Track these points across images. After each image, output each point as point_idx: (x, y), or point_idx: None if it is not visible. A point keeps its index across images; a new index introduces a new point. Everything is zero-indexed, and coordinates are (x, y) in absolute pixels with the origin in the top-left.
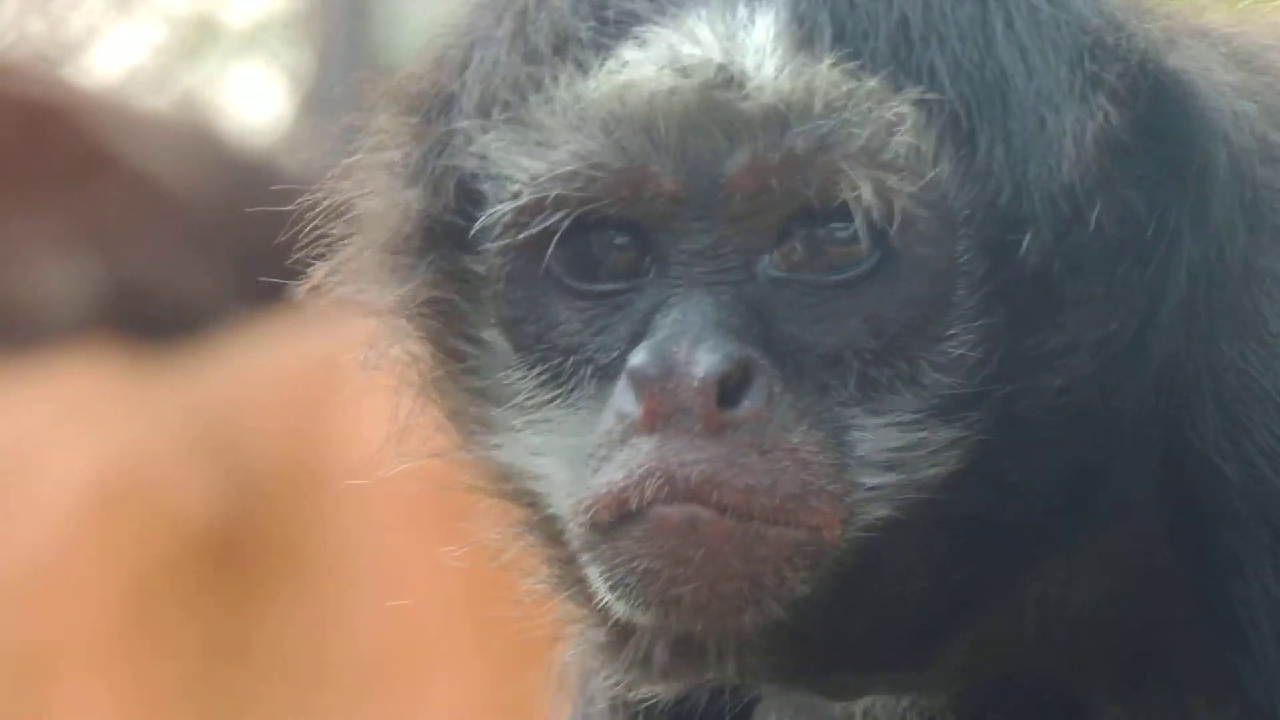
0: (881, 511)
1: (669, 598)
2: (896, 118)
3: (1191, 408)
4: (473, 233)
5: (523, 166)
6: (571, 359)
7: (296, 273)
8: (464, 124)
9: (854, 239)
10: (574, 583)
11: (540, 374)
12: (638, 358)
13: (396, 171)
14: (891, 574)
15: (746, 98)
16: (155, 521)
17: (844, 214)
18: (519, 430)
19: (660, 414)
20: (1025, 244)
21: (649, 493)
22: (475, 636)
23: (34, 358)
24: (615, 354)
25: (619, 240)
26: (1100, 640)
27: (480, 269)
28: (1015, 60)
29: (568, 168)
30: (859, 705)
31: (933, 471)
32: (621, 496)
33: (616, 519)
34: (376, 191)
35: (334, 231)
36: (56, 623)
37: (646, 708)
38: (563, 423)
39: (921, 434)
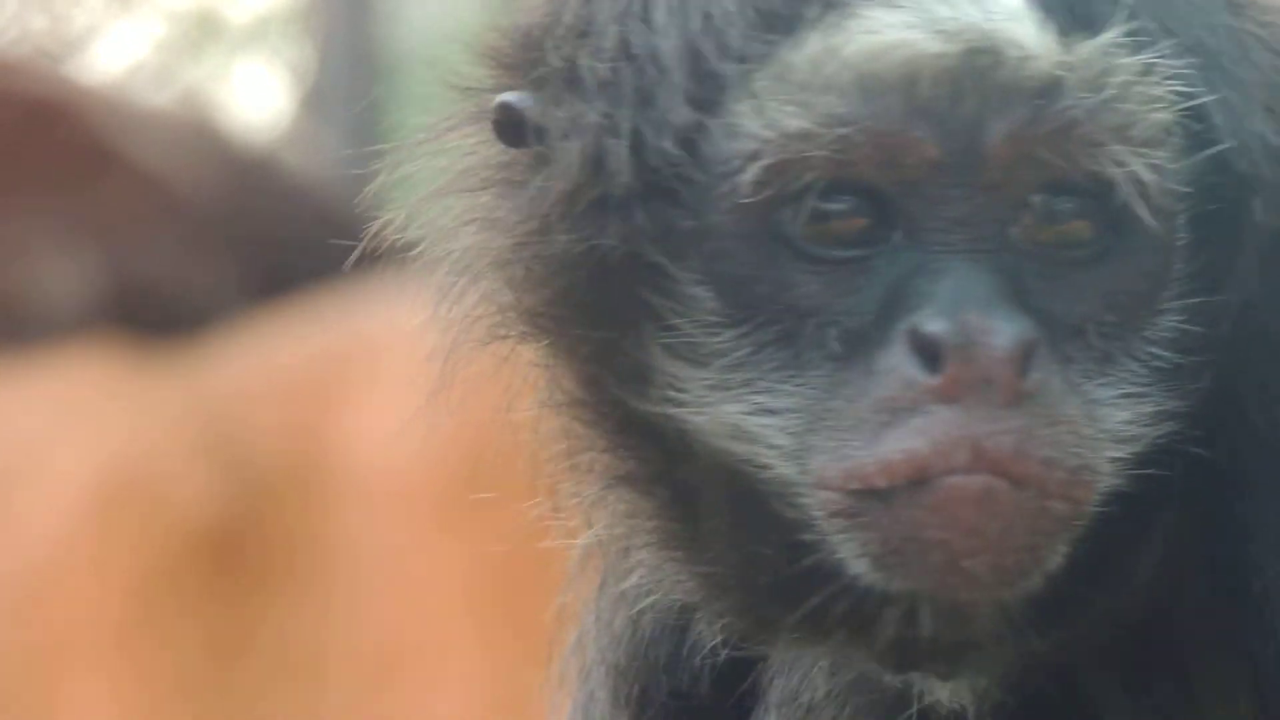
0: (1113, 483)
1: (953, 568)
2: (1153, 94)
3: (1249, 364)
4: (686, 189)
5: (769, 125)
6: (811, 322)
7: (300, 268)
8: (685, 80)
9: (1097, 211)
10: (783, 547)
11: (767, 335)
12: (935, 324)
13: (583, 125)
14: (1082, 546)
15: (1013, 66)
16: (158, 518)
17: (1090, 187)
18: (730, 389)
19: (963, 382)
20: (1257, 209)
21: (952, 462)
22: (479, 632)
23: (37, 355)
24: (867, 318)
25: (858, 203)
26: (1115, 629)
27: (690, 224)
28: (1230, 30)
29: (824, 129)
30: (917, 687)
31: (1148, 442)
32: (921, 464)
33: (903, 487)
34: (551, 143)
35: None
36: (58, 620)
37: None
38: (793, 385)
39: (1147, 406)
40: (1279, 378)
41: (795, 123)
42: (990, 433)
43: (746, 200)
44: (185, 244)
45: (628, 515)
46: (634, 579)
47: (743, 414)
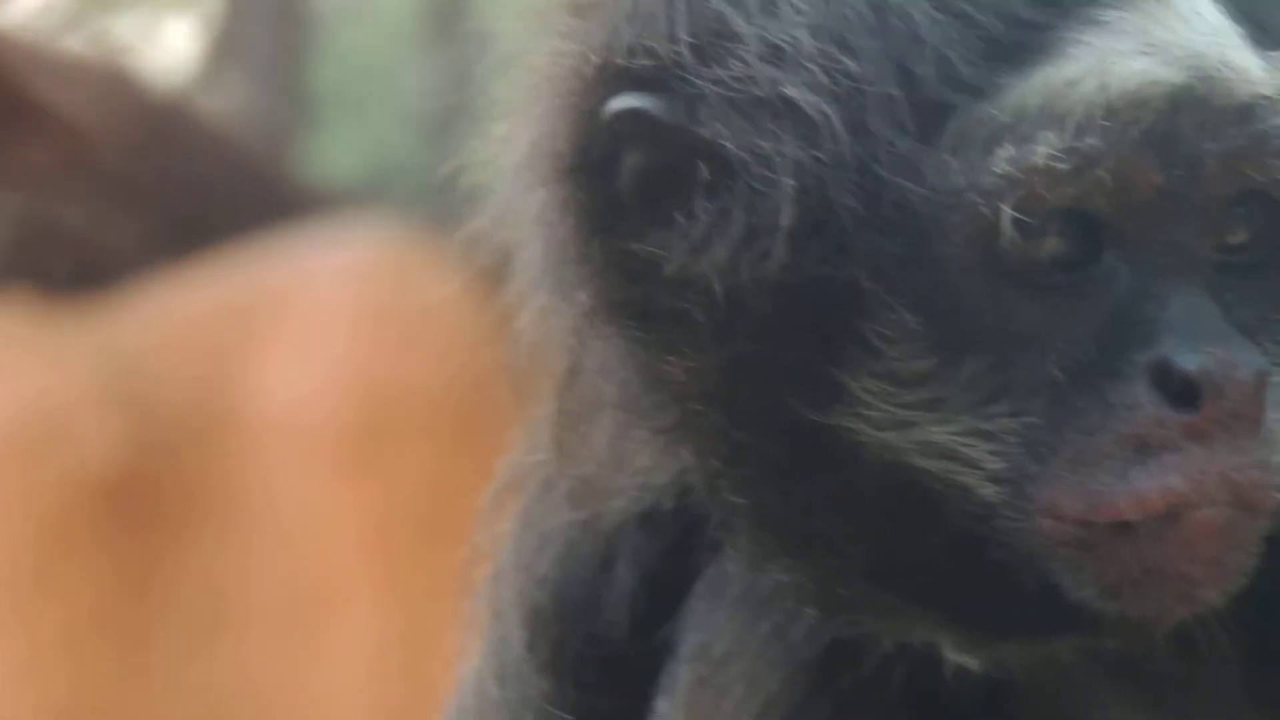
0: None
1: (1188, 597)
2: None
3: None
4: (906, 218)
5: (1007, 159)
6: (1033, 349)
7: (213, 219)
8: (906, 109)
9: (1261, 214)
10: (968, 566)
11: (982, 362)
12: (1188, 361)
13: (793, 155)
14: None
15: (1228, 89)
16: (65, 468)
17: (1271, 192)
18: (938, 411)
19: (1217, 420)
20: None
21: (1204, 498)
22: (385, 577)
23: None
24: (1090, 346)
25: (1072, 227)
26: None
27: (907, 253)
28: None
29: (1065, 164)
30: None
31: None
32: (1178, 500)
33: (1152, 521)
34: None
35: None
36: None
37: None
38: (1009, 412)
39: None
40: None
41: (1034, 157)
42: (1237, 466)
43: (974, 233)
44: (98, 194)
45: (713, 492)
46: (559, 522)
47: (951, 435)
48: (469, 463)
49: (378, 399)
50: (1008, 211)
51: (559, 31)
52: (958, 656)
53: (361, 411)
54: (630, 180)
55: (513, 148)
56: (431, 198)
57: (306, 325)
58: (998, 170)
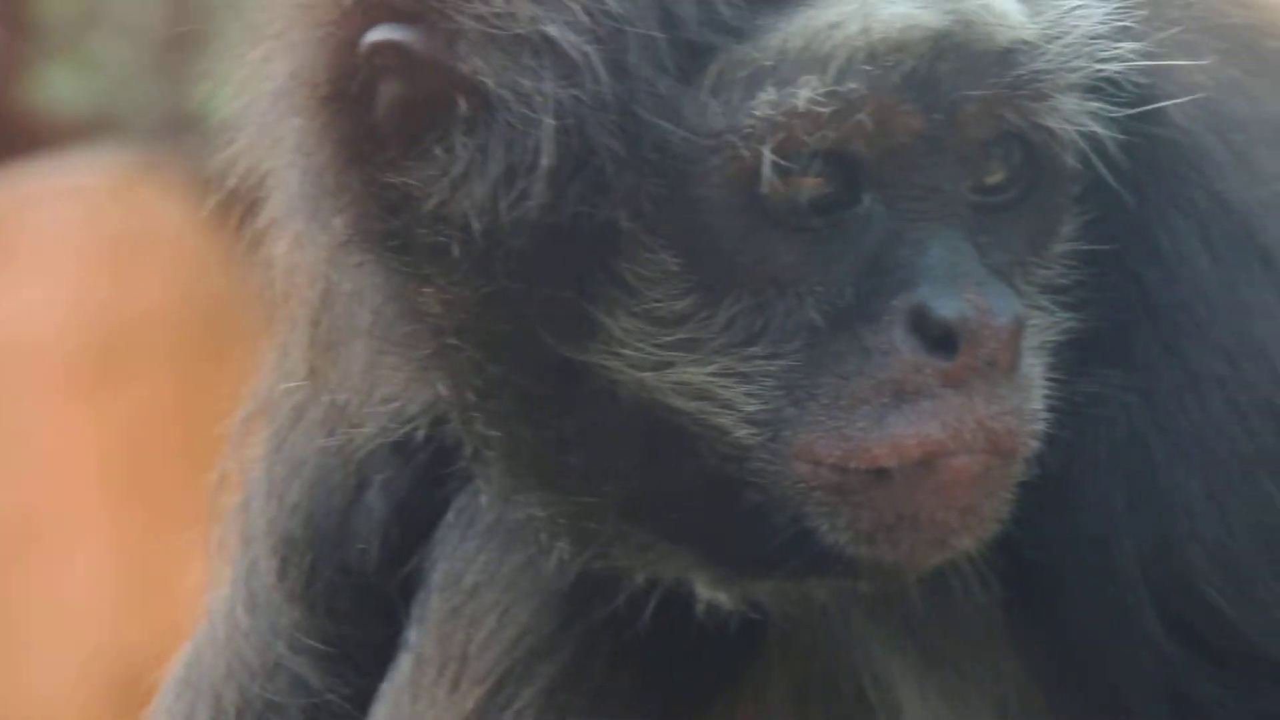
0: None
1: (942, 543)
2: (1106, 50)
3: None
4: (667, 159)
5: (767, 102)
6: (790, 291)
7: None
8: (668, 50)
9: (1018, 153)
10: (723, 506)
11: (740, 303)
12: (945, 308)
13: (554, 95)
14: None
15: (989, 35)
16: None
17: (1029, 135)
18: (695, 352)
19: (973, 367)
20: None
21: (960, 445)
22: (112, 504)
23: None
24: (848, 290)
25: (830, 169)
26: None
27: (666, 194)
28: None
29: (824, 106)
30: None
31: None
32: (934, 448)
33: (908, 467)
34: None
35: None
36: None
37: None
38: (767, 354)
39: (1058, 335)
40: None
41: (795, 101)
42: (994, 413)
43: (733, 175)
44: None
45: (468, 427)
46: (311, 449)
47: (708, 376)
48: (213, 388)
49: (112, 323)
50: (767, 154)
51: None
52: (710, 594)
53: (96, 335)
54: (388, 111)
55: (269, 74)
56: (163, 126)
57: (36, 251)
58: (758, 113)
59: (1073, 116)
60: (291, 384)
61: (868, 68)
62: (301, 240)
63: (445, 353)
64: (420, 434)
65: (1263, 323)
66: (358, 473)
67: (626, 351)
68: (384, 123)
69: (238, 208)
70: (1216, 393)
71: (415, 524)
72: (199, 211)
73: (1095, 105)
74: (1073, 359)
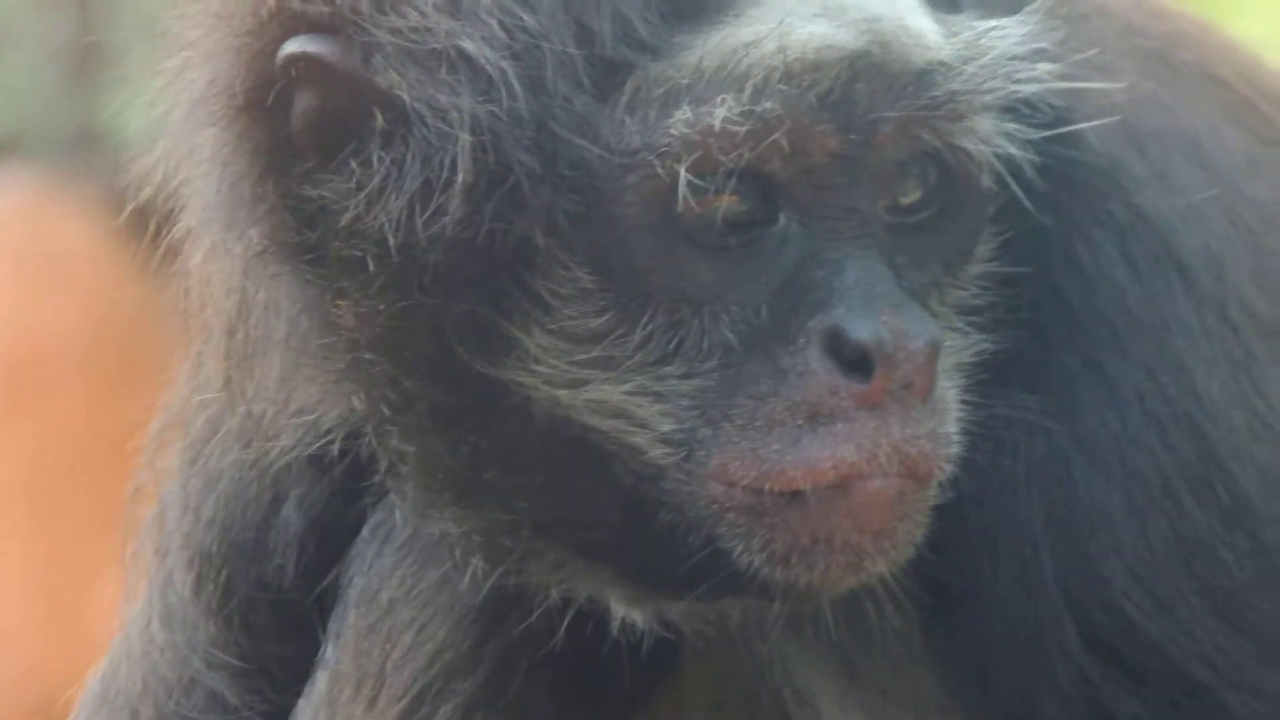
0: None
1: (857, 566)
2: (1022, 71)
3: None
4: (582, 176)
5: (683, 120)
6: (705, 310)
7: None
8: (584, 66)
9: (934, 174)
10: (636, 525)
11: (655, 322)
12: (860, 330)
13: (470, 110)
14: None
15: (905, 55)
16: None
17: (944, 157)
18: (610, 369)
19: (889, 390)
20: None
21: (875, 468)
22: (34, 523)
23: None
24: (763, 310)
25: (745, 188)
26: None
27: (582, 211)
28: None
29: (739, 125)
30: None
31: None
32: (848, 471)
33: (822, 490)
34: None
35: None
36: None
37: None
38: (681, 373)
39: (966, 364)
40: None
41: (711, 120)
42: (909, 437)
43: (649, 193)
44: None
45: (382, 440)
46: (227, 462)
47: (623, 394)
48: (125, 405)
49: (23, 343)
50: (683, 173)
51: None
52: (625, 612)
53: (7, 357)
54: (303, 123)
55: (186, 83)
56: (73, 145)
57: None
58: (674, 131)
59: (989, 137)
60: (207, 395)
61: (783, 87)
62: (217, 251)
63: (360, 366)
64: (336, 447)
65: (1181, 337)
66: (273, 487)
67: (542, 368)
68: (300, 134)
69: (152, 221)
70: (1136, 407)
71: (331, 539)
72: (110, 230)
73: (1011, 126)
74: (990, 379)
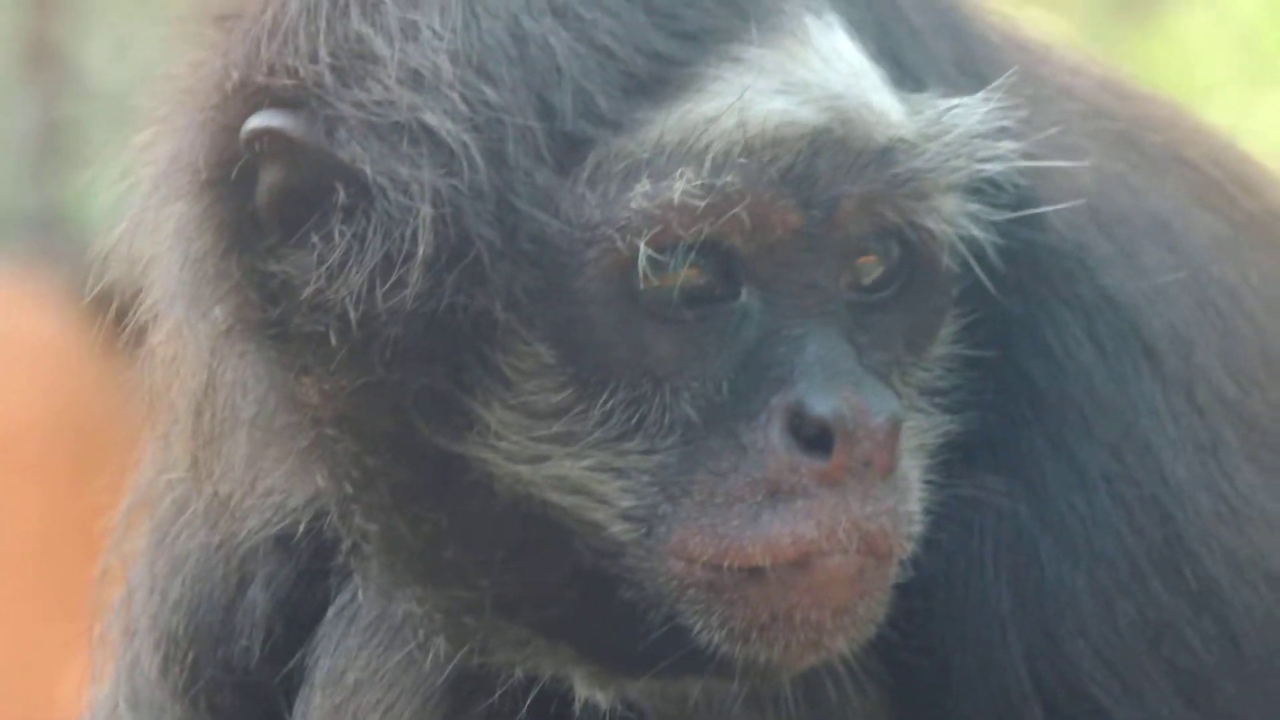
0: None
1: (818, 644)
2: (990, 148)
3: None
4: (543, 250)
5: (645, 195)
6: (665, 386)
7: None
8: (545, 140)
9: (897, 252)
10: (598, 600)
11: (616, 397)
12: (820, 406)
13: (431, 183)
14: None
15: (867, 131)
16: None
17: (906, 234)
18: (570, 445)
19: (849, 467)
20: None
21: (835, 545)
22: (9, 596)
23: None
24: (724, 386)
25: (708, 264)
26: None
27: (543, 285)
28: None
29: (700, 200)
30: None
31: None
32: (808, 548)
33: (782, 567)
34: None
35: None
36: None
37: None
38: (642, 449)
39: (931, 444)
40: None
41: (671, 194)
42: (869, 514)
43: (609, 267)
44: None
45: (344, 519)
46: (194, 543)
47: (583, 470)
48: (91, 488)
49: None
50: (643, 247)
51: (200, 42)
52: (588, 691)
53: None
54: (268, 198)
55: (151, 159)
56: (34, 232)
57: None
58: (634, 205)
59: (952, 217)
60: (173, 476)
61: (744, 162)
62: (182, 329)
63: (324, 444)
64: (302, 528)
65: (1148, 419)
66: (240, 568)
67: (502, 444)
68: (264, 209)
69: (115, 302)
70: (1103, 489)
71: (298, 620)
72: (74, 315)
73: (975, 207)
74: (956, 460)
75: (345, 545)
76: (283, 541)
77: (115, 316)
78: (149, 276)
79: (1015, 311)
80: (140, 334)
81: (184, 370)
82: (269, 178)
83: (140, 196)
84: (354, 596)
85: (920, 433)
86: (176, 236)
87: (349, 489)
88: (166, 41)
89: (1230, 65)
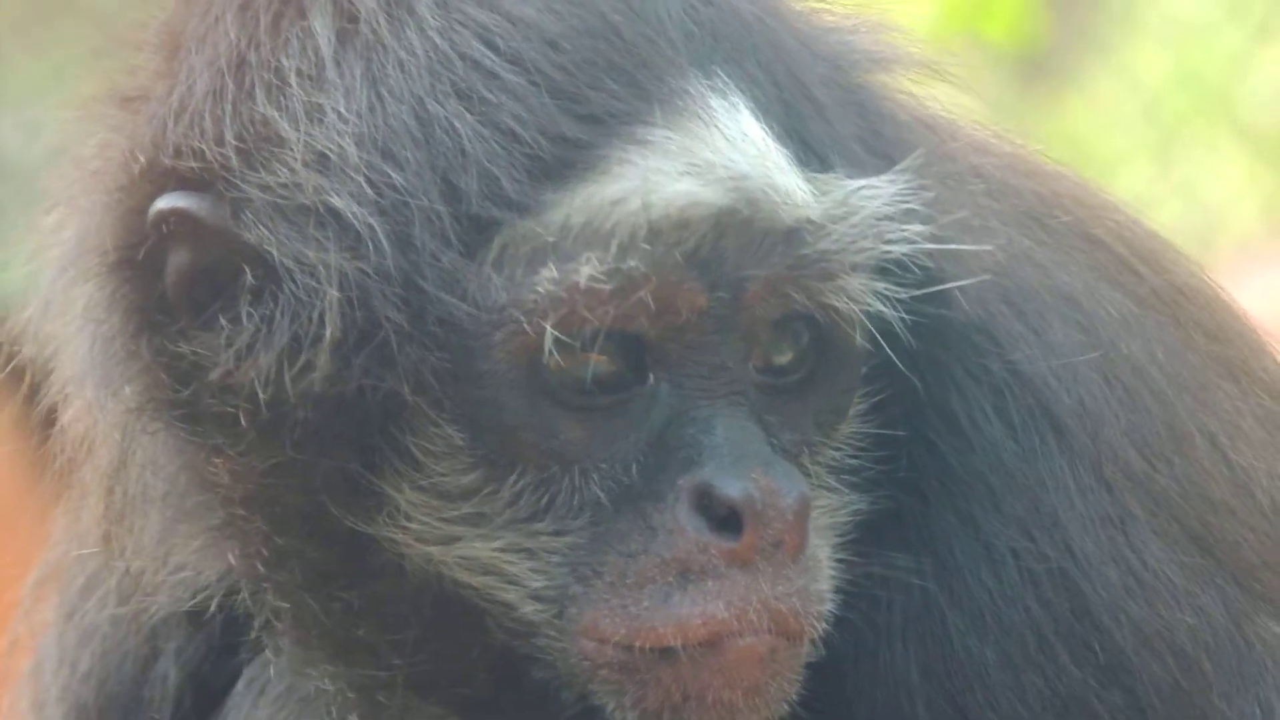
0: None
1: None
2: (897, 229)
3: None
4: (448, 333)
5: (549, 279)
6: (574, 469)
7: None
8: (450, 223)
9: (808, 334)
10: (510, 678)
11: (525, 478)
12: (730, 487)
13: (336, 266)
14: None
15: (773, 213)
16: None
17: (814, 315)
18: (480, 526)
19: (759, 548)
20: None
21: (746, 626)
22: None
23: None
24: (633, 468)
25: (615, 348)
26: None
27: (449, 367)
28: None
29: (605, 284)
30: None
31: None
32: (719, 629)
33: (693, 647)
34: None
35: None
36: None
37: None
38: (552, 530)
39: (840, 522)
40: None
41: (577, 277)
42: (780, 594)
43: (516, 350)
44: None
45: (255, 596)
46: (104, 616)
47: (494, 551)
48: (5, 563)
49: None
50: (550, 330)
51: (108, 123)
52: None
53: None
54: (176, 279)
55: (61, 240)
56: None
57: None
58: (540, 289)
59: (859, 296)
60: (85, 550)
61: (648, 246)
62: (93, 408)
63: (235, 523)
64: (214, 604)
65: (1056, 494)
66: (150, 641)
67: (412, 524)
68: (173, 290)
69: (26, 377)
70: (1011, 563)
71: (207, 692)
72: None
73: (882, 285)
74: (865, 537)
75: (257, 621)
76: (193, 615)
77: (27, 393)
78: (59, 356)
79: (925, 386)
80: (51, 411)
81: (95, 448)
82: (177, 259)
83: (49, 278)
84: (264, 669)
85: (830, 511)
86: (85, 317)
87: (261, 568)
88: (75, 121)
89: (1137, 135)
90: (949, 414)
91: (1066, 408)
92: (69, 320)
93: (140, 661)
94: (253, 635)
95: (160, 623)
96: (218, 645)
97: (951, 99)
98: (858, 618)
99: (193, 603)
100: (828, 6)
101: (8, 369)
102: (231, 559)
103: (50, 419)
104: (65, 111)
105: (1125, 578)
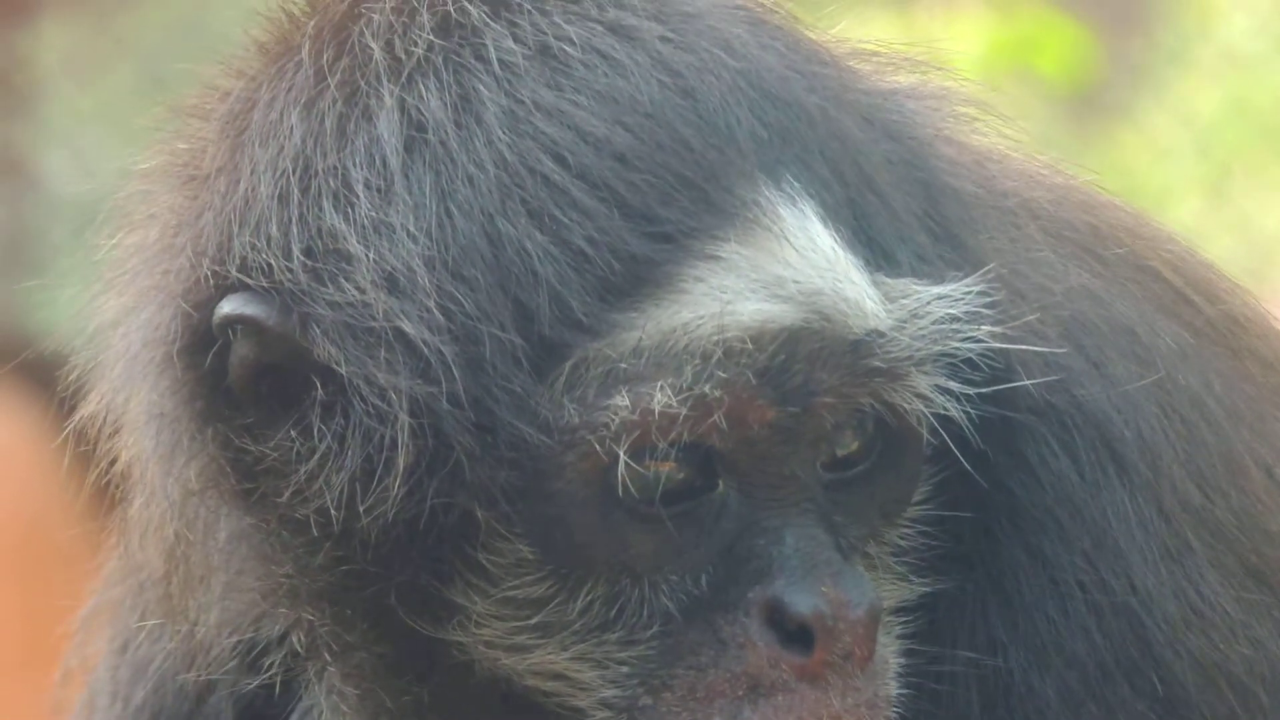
0: None
1: None
2: (960, 332)
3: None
4: (521, 453)
5: (624, 401)
6: (645, 581)
7: None
8: (522, 347)
9: (872, 427)
10: None
11: (596, 591)
12: (801, 602)
13: (409, 389)
14: None
15: (843, 324)
16: None
17: (880, 413)
18: (552, 636)
19: (831, 662)
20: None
21: None
22: None
23: None
24: (703, 580)
25: (685, 459)
26: None
27: (521, 485)
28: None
29: (679, 405)
30: None
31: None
32: None
33: None
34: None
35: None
36: None
37: None
38: (622, 641)
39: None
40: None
41: (650, 403)
42: (849, 707)
43: (588, 470)
44: None
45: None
46: (158, 649)
47: (566, 660)
48: (58, 597)
49: None
50: (622, 454)
51: (169, 204)
52: None
53: None
54: (241, 372)
55: (124, 334)
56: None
57: None
58: (613, 413)
59: (926, 395)
60: (139, 580)
61: (722, 372)
62: (156, 496)
63: (301, 616)
64: (269, 640)
65: (1118, 526)
66: (204, 676)
67: (484, 633)
68: (237, 384)
69: (86, 440)
70: (1078, 595)
71: None
72: (41, 424)
73: (949, 383)
74: (930, 621)
75: (313, 667)
76: (248, 651)
77: (89, 449)
78: (123, 450)
79: (990, 426)
80: (107, 450)
81: (156, 523)
82: (242, 353)
83: (114, 369)
84: (315, 704)
85: (894, 595)
86: (150, 413)
87: (328, 657)
88: (135, 195)
89: (1189, 169)
90: (1015, 451)
91: (1127, 441)
92: (137, 406)
93: (194, 697)
94: (307, 669)
95: (215, 657)
96: (271, 683)
97: (1004, 134)
98: (924, 696)
99: (247, 639)
100: (882, 49)
101: (65, 436)
102: (297, 645)
103: (107, 459)
104: (116, 152)
105: (1184, 610)
